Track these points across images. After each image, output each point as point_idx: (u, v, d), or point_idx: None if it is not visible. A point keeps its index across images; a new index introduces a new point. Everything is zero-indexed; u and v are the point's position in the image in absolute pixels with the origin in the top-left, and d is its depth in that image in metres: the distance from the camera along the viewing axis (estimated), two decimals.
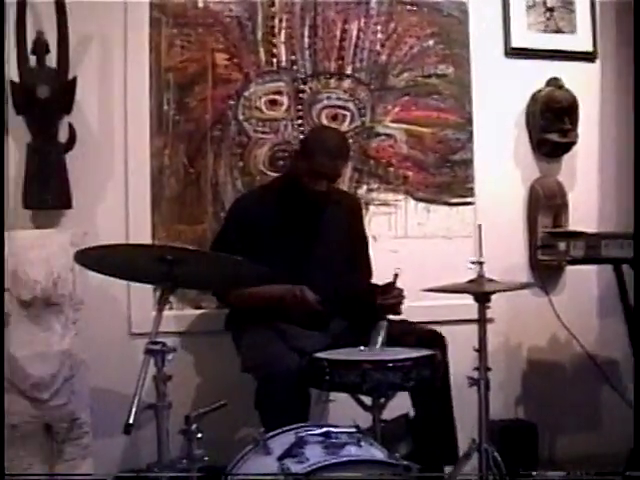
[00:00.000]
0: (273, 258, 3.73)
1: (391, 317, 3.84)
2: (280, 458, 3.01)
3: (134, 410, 2.80)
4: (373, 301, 3.88)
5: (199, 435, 3.07)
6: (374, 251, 4.34)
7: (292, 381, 3.57)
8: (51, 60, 4.13)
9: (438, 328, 3.98)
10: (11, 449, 3.90)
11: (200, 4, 4.45)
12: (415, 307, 4.06)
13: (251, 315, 3.92)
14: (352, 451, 3.03)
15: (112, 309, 4.29)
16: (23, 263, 3.90)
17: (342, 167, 4.05)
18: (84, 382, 3.97)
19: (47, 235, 4.03)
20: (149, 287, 4.14)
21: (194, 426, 3.06)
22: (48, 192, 4.11)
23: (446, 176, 4.72)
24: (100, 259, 3.33)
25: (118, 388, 4.00)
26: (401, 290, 3.89)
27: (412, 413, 3.91)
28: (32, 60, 4.12)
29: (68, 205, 4.16)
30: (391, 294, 3.87)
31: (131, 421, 2.79)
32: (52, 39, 4.13)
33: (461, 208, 4.72)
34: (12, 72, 4.13)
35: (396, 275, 3.84)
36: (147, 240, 4.28)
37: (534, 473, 3.66)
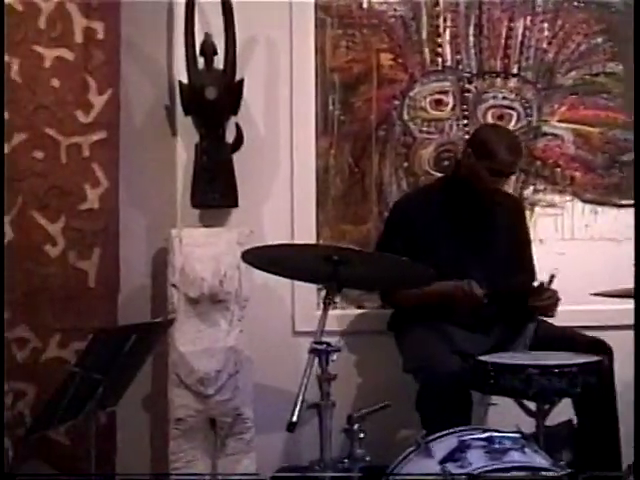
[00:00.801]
0: (435, 258, 3.71)
1: (557, 324, 3.78)
2: (442, 462, 2.99)
3: (298, 408, 2.82)
4: (525, 302, 3.82)
5: (361, 435, 3.08)
6: (540, 253, 4.26)
7: (454, 384, 3.55)
8: (219, 62, 4.21)
9: (605, 333, 3.88)
10: (176, 442, 4.00)
11: (365, 5, 4.46)
12: (582, 311, 3.98)
13: (414, 316, 3.91)
14: (515, 457, 2.98)
15: (276, 307, 4.35)
16: (191, 261, 3.99)
17: (519, 165, 4.05)
18: (248, 378, 4.04)
19: (214, 233, 4.12)
20: (313, 285, 4.16)
21: (356, 426, 3.07)
22: (216, 191, 4.19)
23: (615, 177, 4.58)
24: (267, 258, 3.38)
25: (281, 385, 4.07)
26: (555, 292, 3.80)
27: (575, 420, 3.83)
28: (200, 62, 4.20)
29: (235, 204, 4.24)
30: (544, 295, 3.80)
31: (295, 419, 2.81)
32: (219, 41, 4.20)
33: (630, 210, 4.57)
34: (181, 74, 4.24)
35: (552, 276, 3.76)
36: (312, 239, 4.32)
37: None
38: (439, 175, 4.38)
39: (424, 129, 4.47)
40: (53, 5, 4.01)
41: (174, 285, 4.01)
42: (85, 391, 3.16)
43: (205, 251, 4.00)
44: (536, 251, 4.23)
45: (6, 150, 3.96)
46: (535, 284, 3.87)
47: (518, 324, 3.86)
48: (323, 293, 3.28)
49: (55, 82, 4.01)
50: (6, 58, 3.96)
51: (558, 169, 4.55)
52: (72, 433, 3.94)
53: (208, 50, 4.19)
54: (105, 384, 3.19)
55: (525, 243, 4.22)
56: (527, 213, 4.39)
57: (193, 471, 4.00)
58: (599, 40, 4.59)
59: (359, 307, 4.40)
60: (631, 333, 3.98)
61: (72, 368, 3.16)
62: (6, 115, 3.96)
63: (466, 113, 4.50)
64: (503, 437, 3.06)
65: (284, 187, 4.38)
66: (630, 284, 3.66)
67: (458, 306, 3.80)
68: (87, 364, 3.11)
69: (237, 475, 3.98)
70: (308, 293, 4.24)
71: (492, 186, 3.87)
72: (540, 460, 3.02)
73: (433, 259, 3.58)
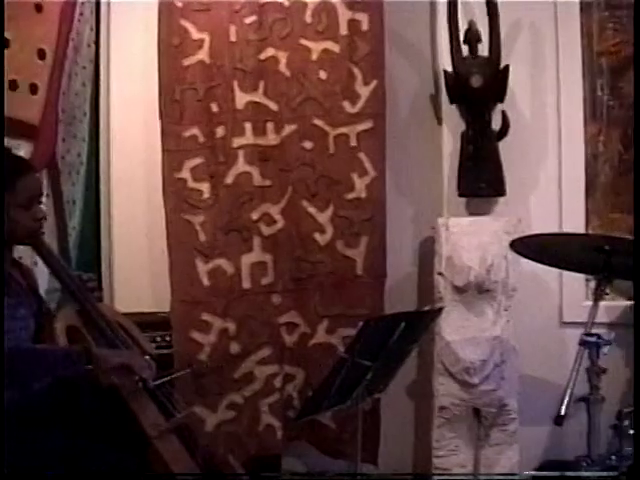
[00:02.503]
0: None
1: None
2: None
3: (567, 402, 2.77)
4: None
5: (631, 432, 3.00)
6: None
7: None
8: (483, 49, 4.18)
9: None
10: (439, 430, 4.03)
11: None
12: None
13: None
14: None
15: (543, 297, 4.28)
16: (458, 249, 4.00)
17: None
18: (514, 369, 4.01)
19: (481, 222, 4.11)
20: (581, 275, 4.08)
21: (626, 422, 3.00)
22: (482, 180, 4.18)
23: None
24: (536, 247, 3.34)
25: (546, 376, 4.03)
26: None
27: None
28: (464, 50, 4.19)
29: (502, 192, 4.21)
30: None
31: (563, 412, 2.76)
32: (483, 28, 4.17)
33: None
34: (445, 62, 4.25)
35: None
36: (580, 229, 4.23)
37: None
38: None
39: None
40: None
41: (441, 274, 4.04)
42: (354, 377, 3.22)
43: (472, 240, 4.01)
44: None
45: (277, 141, 4.09)
46: None
47: None
48: (592, 284, 3.21)
49: (322, 74, 4.10)
50: (274, 52, 4.08)
51: None
52: (338, 417, 4.03)
53: (472, 38, 4.18)
54: (374, 371, 3.24)
55: None
56: None
57: (455, 460, 4.03)
58: None
59: (630, 298, 4.26)
60: None
61: (342, 355, 3.23)
62: (275, 107, 4.09)
63: None
64: None
65: (551, 175, 4.31)
66: None
67: None
68: (357, 351, 3.16)
69: (498, 475, 3.96)
70: (576, 283, 4.16)
71: None
72: None
73: None
